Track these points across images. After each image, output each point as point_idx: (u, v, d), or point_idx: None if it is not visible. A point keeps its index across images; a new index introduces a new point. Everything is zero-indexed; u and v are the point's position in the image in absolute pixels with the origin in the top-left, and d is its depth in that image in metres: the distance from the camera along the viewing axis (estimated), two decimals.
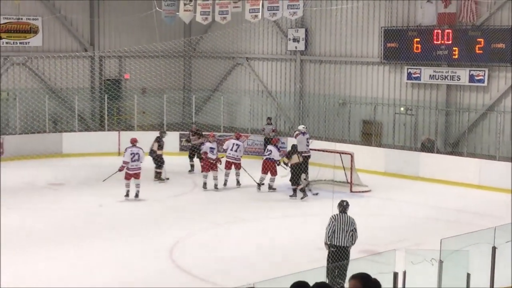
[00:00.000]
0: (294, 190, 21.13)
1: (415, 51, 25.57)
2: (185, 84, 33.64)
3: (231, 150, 22.38)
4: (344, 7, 27.57)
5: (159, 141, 23.35)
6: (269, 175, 21.89)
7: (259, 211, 19.57)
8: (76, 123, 29.44)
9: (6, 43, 28.94)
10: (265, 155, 22.18)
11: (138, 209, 19.53)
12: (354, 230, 12.74)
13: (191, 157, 24.82)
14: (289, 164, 21.31)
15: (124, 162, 20.57)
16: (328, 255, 12.71)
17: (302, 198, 20.92)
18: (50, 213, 18.96)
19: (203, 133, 25.04)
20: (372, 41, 27.27)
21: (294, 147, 21.56)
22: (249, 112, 30.10)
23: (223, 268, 14.42)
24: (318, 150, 22.92)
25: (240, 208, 19.85)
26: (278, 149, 22.30)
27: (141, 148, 20.75)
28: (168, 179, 23.16)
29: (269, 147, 22.39)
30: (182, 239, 16.41)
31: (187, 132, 27.51)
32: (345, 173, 22.41)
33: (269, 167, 21.96)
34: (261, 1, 25.04)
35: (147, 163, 22.12)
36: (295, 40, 29.36)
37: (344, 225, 12.70)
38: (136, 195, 20.63)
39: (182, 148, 27.90)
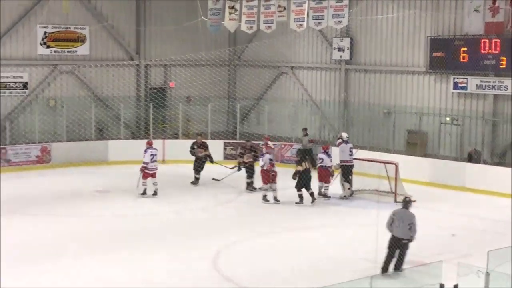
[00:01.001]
0: (300, 196, 21.28)
1: (461, 60, 25.30)
2: (230, 92, 33.77)
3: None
4: (390, 16, 27.44)
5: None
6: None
7: (304, 220, 19.50)
8: (121, 131, 29.73)
9: (55, 51, 29.39)
10: (318, 163, 22.18)
11: (182, 217, 19.62)
12: (411, 224, 13.94)
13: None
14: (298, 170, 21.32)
15: (145, 163, 21.83)
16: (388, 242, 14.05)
17: (312, 202, 21.17)
18: (96, 220, 19.15)
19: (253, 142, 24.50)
20: (418, 50, 27.07)
21: (299, 152, 21.81)
22: (293, 121, 30.05)
23: (267, 277, 14.40)
24: (363, 159, 22.80)
25: (285, 217, 19.78)
26: (329, 156, 22.21)
27: (157, 150, 22.43)
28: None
29: (320, 155, 22.27)
30: (226, 248, 16.42)
31: (231, 141, 27.69)
32: (389, 183, 22.23)
33: (323, 175, 21.97)
34: (306, 10, 25.02)
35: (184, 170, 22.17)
36: (340, 49, 29.28)
37: (402, 219, 13.95)
38: (155, 193, 21.78)
39: (226, 157, 27.95)
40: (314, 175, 21.77)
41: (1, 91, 28.08)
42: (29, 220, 18.96)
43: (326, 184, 22.10)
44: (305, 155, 25.61)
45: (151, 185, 21.93)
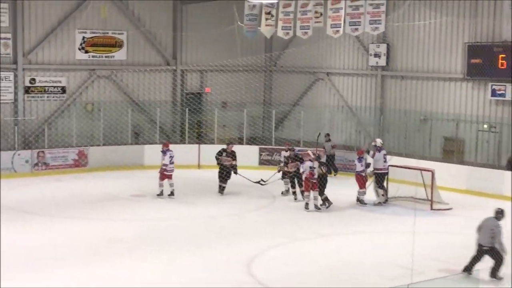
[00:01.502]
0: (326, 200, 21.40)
1: (500, 67, 25.02)
2: (266, 98, 33.80)
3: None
4: (427, 23, 27.27)
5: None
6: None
7: (338, 226, 19.43)
8: (157, 136, 29.93)
9: (93, 56, 29.69)
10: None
11: (217, 222, 19.66)
12: (494, 233, 14.27)
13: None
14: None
15: (164, 165, 22.37)
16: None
17: (320, 205, 21.27)
18: (131, 224, 19.27)
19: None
20: (455, 57, 26.84)
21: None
22: (329, 127, 29.99)
23: (301, 282, 14.38)
24: (398, 166, 22.66)
25: (320, 223, 19.73)
26: (360, 161, 22.12)
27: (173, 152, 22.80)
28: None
29: (356, 161, 22.25)
30: (261, 253, 16.43)
31: (266, 146, 27.67)
32: (425, 191, 22.06)
33: (357, 180, 22.04)
34: (343, 16, 24.96)
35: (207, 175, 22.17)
36: (377, 55, 29.16)
37: (487, 227, 14.37)
38: (172, 194, 22.39)
39: (261, 162, 27.98)
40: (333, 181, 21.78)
41: (39, 95, 28.44)
42: (65, 223, 19.15)
43: (361, 190, 22.04)
44: (327, 161, 25.77)
45: (168, 186, 22.42)
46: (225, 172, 23.02)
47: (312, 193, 21.24)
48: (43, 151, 26.84)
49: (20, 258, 15.54)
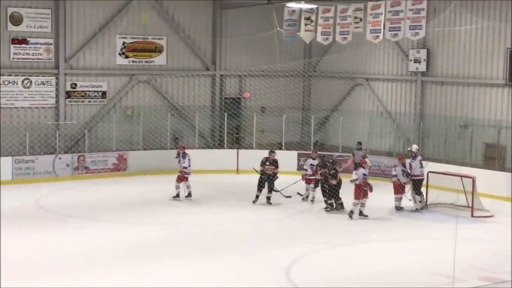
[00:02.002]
0: (331, 204, 21.62)
1: None
2: (304, 103, 33.75)
3: None
4: (468, 27, 27.00)
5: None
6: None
7: (375, 233, 19.30)
8: (196, 141, 30.05)
9: (133, 61, 29.93)
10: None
11: (254, 227, 19.65)
12: None
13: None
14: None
15: (184, 167, 22.86)
16: None
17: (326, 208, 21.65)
18: (170, 228, 19.34)
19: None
20: (497, 62, 26.52)
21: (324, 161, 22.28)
22: (368, 133, 29.84)
23: None
24: (439, 173, 22.46)
25: (359, 229, 19.62)
26: (402, 169, 22.01)
27: None
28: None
29: (397, 169, 22.06)
30: (298, 259, 16.38)
31: (305, 152, 27.58)
32: (466, 197, 21.82)
33: (395, 187, 22.02)
34: (383, 21, 24.85)
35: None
36: (416, 61, 28.95)
37: None
38: (189, 195, 22.90)
39: (300, 167, 27.92)
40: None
41: (80, 99, 28.76)
42: (104, 227, 19.29)
43: (396, 196, 21.94)
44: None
45: (184, 188, 22.94)
46: (268, 181, 22.43)
47: (361, 201, 21.00)
48: (83, 155, 27.12)
49: (58, 261, 15.70)
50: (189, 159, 22.90)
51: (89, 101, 29.06)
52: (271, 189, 22.47)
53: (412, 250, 17.63)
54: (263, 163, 22.45)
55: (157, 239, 17.98)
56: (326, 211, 21.64)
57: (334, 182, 21.56)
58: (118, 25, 29.38)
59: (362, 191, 20.94)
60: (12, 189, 24.07)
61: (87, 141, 28.11)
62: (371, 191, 21.01)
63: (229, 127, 30.45)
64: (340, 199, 21.69)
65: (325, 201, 21.77)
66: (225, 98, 32.04)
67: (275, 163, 22.48)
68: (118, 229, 19.06)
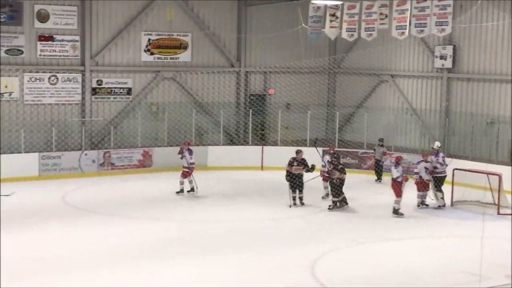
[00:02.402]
0: (334, 202, 21.43)
1: None
2: (329, 100, 33.67)
3: None
4: (495, 24, 26.77)
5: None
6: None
7: (402, 230, 19.23)
8: (221, 137, 30.09)
9: (158, 58, 30.04)
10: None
11: (280, 224, 19.65)
12: None
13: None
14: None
15: (191, 163, 23.20)
16: None
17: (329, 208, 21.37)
18: (195, 224, 19.38)
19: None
20: None
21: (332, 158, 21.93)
22: (392, 130, 29.72)
23: (363, 286, 14.28)
24: (464, 170, 22.32)
25: (384, 226, 19.56)
26: (426, 167, 21.80)
27: None
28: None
29: (419, 166, 21.94)
30: (323, 255, 16.37)
31: (327, 148, 27.51)
32: (492, 195, 21.66)
33: (419, 184, 21.91)
34: (408, 17, 24.72)
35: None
36: (442, 57, 28.77)
37: None
38: (192, 189, 23.23)
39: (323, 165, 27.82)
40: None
41: (106, 96, 28.92)
42: (130, 223, 19.40)
43: (419, 193, 21.78)
44: (376, 166, 25.69)
45: (187, 183, 23.27)
46: (298, 181, 21.80)
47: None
48: (109, 152, 27.27)
49: (83, 257, 15.81)
50: (194, 155, 23.43)
51: (114, 98, 29.22)
52: (301, 189, 22.04)
53: (438, 247, 17.55)
54: (290, 164, 21.79)
55: (182, 236, 18.04)
56: (329, 209, 21.35)
57: (342, 176, 21.37)
58: (143, 22, 29.49)
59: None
60: (39, 185, 24.29)
61: (112, 138, 28.26)
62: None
63: (253, 123, 30.46)
64: (343, 194, 21.47)
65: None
66: (250, 94, 32.06)
67: (303, 163, 21.93)
68: (142, 225, 19.15)
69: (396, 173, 20.92)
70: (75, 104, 28.43)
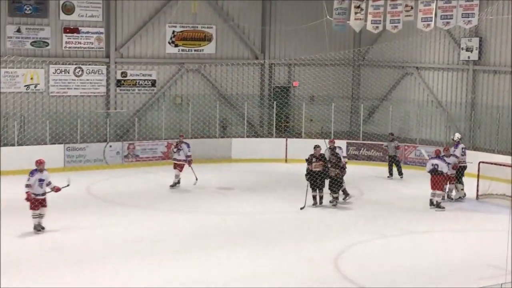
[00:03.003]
0: (336, 198, 20.85)
1: None
2: (354, 92, 33.54)
3: None
4: None
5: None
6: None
7: (428, 223, 19.10)
8: (245, 129, 30.08)
9: (182, 50, 30.08)
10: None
11: (303, 217, 19.58)
12: None
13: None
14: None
15: (189, 156, 22.98)
16: None
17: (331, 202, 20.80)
18: (218, 217, 19.33)
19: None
20: None
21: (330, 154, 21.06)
22: (417, 122, 29.54)
23: (388, 279, 14.22)
24: (490, 163, 22.14)
25: (409, 220, 19.44)
26: (444, 160, 21.29)
27: None
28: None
29: (435, 160, 21.31)
30: (348, 248, 16.32)
31: (354, 141, 27.39)
32: None
33: (436, 181, 21.15)
34: (434, 9, 24.52)
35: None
36: (468, 49, 28.53)
37: None
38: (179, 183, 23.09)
39: (349, 157, 27.74)
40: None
41: (130, 88, 29.03)
42: (154, 215, 19.42)
43: (439, 192, 20.88)
44: (389, 162, 25.26)
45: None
46: (319, 179, 20.56)
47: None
48: (133, 143, 27.36)
49: (106, 249, 15.88)
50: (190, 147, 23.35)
51: (139, 90, 29.31)
52: (321, 188, 20.74)
53: (464, 241, 17.44)
54: (309, 161, 20.79)
55: (206, 228, 18.05)
56: (333, 205, 20.74)
57: (338, 172, 20.67)
58: (168, 14, 29.53)
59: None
60: (64, 176, 24.36)
61: (136, 130, 28.36)
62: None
63: (278, 116, 30.40)
64: (342, 187, 21.05)
65: (337, 194, 20.99)
66: (274, 86, 32.00)
67: (322, 158, 20.82)
68: (167, 217, 19.18)
69: (445, 166, 20.62)
70: (100, 96, 28.57)
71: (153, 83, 29.57)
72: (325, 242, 16.81)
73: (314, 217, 19.66)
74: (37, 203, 16.93)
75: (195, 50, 30.37)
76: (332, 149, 21.48)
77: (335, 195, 20.81)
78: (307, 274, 14.43)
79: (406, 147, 27.77)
